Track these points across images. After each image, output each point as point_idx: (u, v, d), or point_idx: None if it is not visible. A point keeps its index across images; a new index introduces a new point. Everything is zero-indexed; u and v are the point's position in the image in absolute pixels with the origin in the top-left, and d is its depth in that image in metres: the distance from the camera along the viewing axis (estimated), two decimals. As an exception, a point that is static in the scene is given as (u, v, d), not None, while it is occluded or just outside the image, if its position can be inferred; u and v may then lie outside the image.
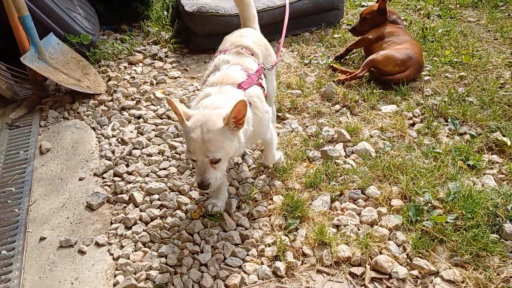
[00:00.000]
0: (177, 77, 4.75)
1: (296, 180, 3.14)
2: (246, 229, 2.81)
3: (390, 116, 3.76)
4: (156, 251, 2.70)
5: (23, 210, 3.06)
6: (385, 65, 4.13)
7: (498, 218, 2.66)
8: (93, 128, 3.97)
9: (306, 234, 2.71)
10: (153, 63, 5.10)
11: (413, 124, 3.70)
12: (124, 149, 3.62)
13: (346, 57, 4.79)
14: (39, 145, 3.76)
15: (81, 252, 2.73)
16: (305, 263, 2.57)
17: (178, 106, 2.28)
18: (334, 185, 3.05)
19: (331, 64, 4.59)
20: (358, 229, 2.73)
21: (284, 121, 3.81)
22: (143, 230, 2.86)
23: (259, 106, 2.65)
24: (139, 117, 4.06)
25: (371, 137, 3.53)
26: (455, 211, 2.72)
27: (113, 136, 3.84)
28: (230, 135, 2.30)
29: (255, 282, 2.48)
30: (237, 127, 2.30)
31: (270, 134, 2.91)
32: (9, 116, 4.16)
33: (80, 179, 3.36)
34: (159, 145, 3.65)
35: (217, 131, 2.25)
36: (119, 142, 3.75)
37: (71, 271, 2.61)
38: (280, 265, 2.53)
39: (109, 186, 3.27)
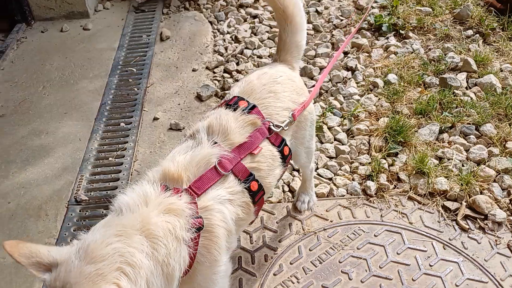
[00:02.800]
0: (300, -21, 4.55)
1: (406, 104, 2.99)
2: (343, 144, 2.80)
3: (529, 51, 3.32)
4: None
5: (142, 90, 3.32)
6: None
7: None
8: (210, 22, 4.05)
9: (405, 161, 2.63)
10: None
11: (555, 64, 3.24)
12: (236, 47, 3.67)
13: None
14: (160, 31, 3.95)
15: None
16: (397, 188, 2.53)
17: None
18: (447, 116, 2.85)
19: None
20: (463, 165, 2.58)
21: (405, 40, 3.54)
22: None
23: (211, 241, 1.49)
24: (255, 16, 4.04)
25: (501, 71, 3.17)
26: None
27: (228, 32, 3.89)
28: None
29: (343, 196, 2.52)
30: None
31: None
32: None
33: (193, 70, 3.51)
34: (270, 48, 3.63)
35: None
36: (232, 40, 3.80)
37: (177, 152, 2.84)
38: (372, 184, 2.52)
39: (218, 81, 3.39)
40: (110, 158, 2.80)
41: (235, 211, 1.57)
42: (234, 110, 1.70)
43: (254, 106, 1.73)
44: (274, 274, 2.16)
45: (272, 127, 1.72)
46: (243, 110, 1.70)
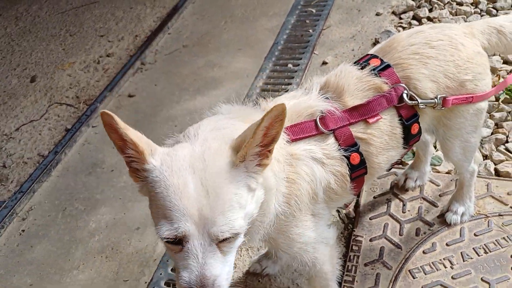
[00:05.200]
0: None
1: None
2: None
3: None
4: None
5: (316, 32, 3.14)
6: None
7: None
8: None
9: None
10: None
11: None
12: (433, -9, 3.17)
13: None
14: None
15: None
16: None
17: (128, 130, 1.05)
18: None
19: None
20: None
21: None
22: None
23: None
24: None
25: None
26: None
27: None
28: (249, 179, 1.09)
29: (536, 181, 1.98)
30: (263, 160, 1.10)
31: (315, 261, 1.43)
32: None
33: (377, 14, 3.17)
34: (476, -7, 3.04)
35: (225, 173, 1.05)
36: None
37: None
38: None
39: (403, 28, 2.99)
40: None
41: (326, 177, 1.30)
42: (362, 68, 1.38)
43: (388, 66, 1.36)
44: (424, 252, 1.83)
45: (405, 97, 1.34)
46: (371, 70, 1.36)
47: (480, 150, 2.14)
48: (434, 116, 1.46)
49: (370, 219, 2.00)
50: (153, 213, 1.06)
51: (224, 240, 1.03)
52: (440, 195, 2.02)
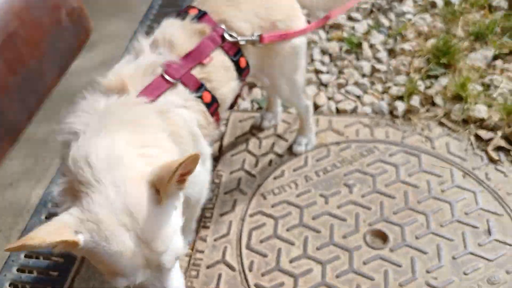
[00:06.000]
0: None
1: (462, 27, 2.66)
2: (381, 63, 2.59)
3: None
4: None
5: (189, -3, 3.31)
6: None
7: None
8: None
9: (445, 85, 2.38)
10: None
11: None
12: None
13: None
14: None
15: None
16: (429, 112, 2.31)
17: (37, 239, 0.97)
18: (507, 41, 2.50)
19: None
20: None
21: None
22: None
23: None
24: None
25: None
26: None
27: None
28: (173, 204, 1.15)
29: (366, 114, 2.36)
30: (181, 185, 1.15)
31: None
32: None
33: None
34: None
35: (155, 216, 1.07)
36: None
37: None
38: (400, 105, 2.32)
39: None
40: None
41: (194, 116, 1.45)
42: (183, 19, 1.53)
43: (204, 13, 1.53)
44: (274, 178, 2.12)
45: (226, 36, 1.53)
46: (192, 19, 1.52)
47: (325, 93, 2.47)
48: (258, 55, 1.67)
49: (231, 156, 2.24)
50: (102, 270, 1.09)
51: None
52: (290, 132, 2.32)
